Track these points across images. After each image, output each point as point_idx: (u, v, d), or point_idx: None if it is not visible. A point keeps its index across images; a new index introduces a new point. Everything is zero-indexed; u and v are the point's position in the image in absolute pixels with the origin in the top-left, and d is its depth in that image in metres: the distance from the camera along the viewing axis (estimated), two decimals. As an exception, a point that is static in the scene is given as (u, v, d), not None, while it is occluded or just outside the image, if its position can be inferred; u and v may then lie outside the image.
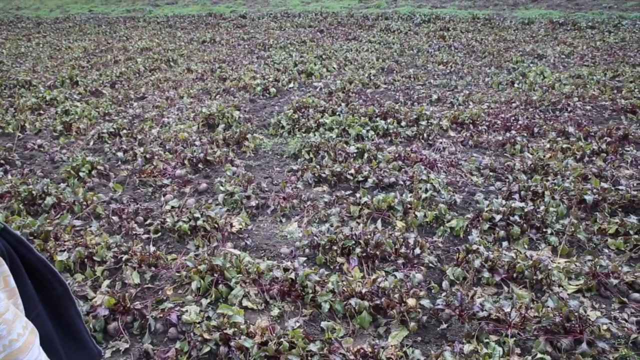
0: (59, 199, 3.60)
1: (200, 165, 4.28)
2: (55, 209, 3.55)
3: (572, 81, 6.59)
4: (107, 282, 2.80)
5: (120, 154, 4.50)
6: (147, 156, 4.40)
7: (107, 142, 4.87)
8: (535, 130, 4.95)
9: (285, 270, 2.79)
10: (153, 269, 2.91)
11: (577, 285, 2.82)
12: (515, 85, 6.50)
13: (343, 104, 5.69)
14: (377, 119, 5.20)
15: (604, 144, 4.56)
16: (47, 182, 3.78)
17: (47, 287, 1.22)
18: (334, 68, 7.56)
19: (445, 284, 2.74)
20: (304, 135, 4.93)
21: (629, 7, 12.99)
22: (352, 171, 3.98)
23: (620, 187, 3.73)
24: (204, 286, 2.70)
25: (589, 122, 5.23)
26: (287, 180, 4.03)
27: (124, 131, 5.04)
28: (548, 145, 4.60)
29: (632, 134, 4.81)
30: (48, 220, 3.28)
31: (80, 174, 4.07)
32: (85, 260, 2.92)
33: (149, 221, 3.44)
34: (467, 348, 2.26)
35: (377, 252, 2.95)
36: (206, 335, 2.32)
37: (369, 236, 3.03)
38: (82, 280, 2.82)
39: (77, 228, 3.30)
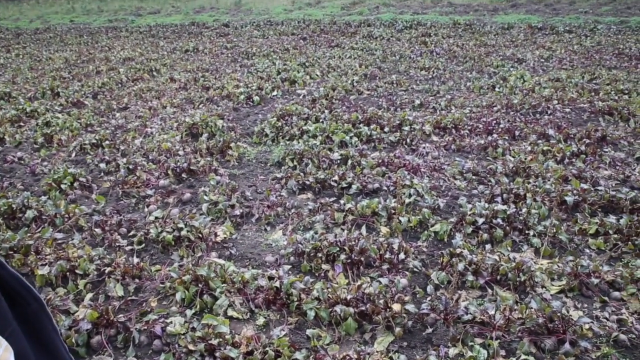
0: (40, 212, 3.55)
1: (183, 175, 4.25)
2: (36, 222, 3.50)
3: (552, 84, 6.71)
4: (90, 295, 2.76)
5: (102, 165, 4.46)
6: (130, 167, 4.36)
7: (90, 154, 4.82)
8: (517, 133, 5.03)
9: (270, 278, 2.78)
10: (137, 280, 2.88)
11: (559, 285, 2.86)
12: (496, 89, 6.60)
13: (326, 111, 5.72)
14: (361, 125, 5.24)
15: (583, 145, 4.65)
16: (28, 195, 3.73)
17: (21, 303, 1.20)
18: (317, 75, 7.60)
19: (430, 288, 2.75)
20: (287, 143, 4.93)
21: (604, 12, 13.31)
22: (336, 178, 3.99)
23: (599, 188, 3.81)
24: (189, 297, 2.68)
25: (568, 125, 5.33)
26: (272, 188, 4.03)
27: (107, 142, 4.99)
28: (529, 148, 4.68)
29: (610, 135, 4.92)
30: (29, 234, 3.23)
31: (62, 186, 4.02)
32: (68, 273, 2.88)
33: (132, 232, 3.41)
34: (453, 352, 2.28)
35: (362, 258, 2.96)
36: (191, 347, 2.30)
37: (353, 242, 3.04)
38: (64, 294, 2.78)
39: (59, 241, 3.25)
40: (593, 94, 6.33)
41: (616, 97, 6.11)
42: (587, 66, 7.90)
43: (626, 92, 6.37)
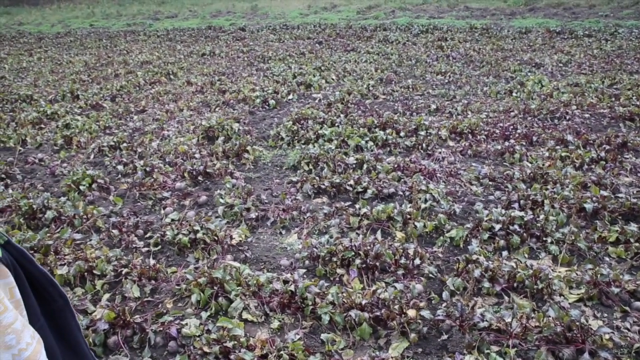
0: (59, 212, 3.61)
1: (200, 178, 4.29)
2: (55, 222, 3.56)
3: (570, 89, 6.62)
4: (107, 295, 2.80)
5: (120, 167, 4.52)
6: (147, 169, 4.42)
7: (108, 156, 4.89)
8: (534, 139, 4.96)
9: (285, 282, 2.79)
10: (153, 282, 2.90)
11: (578, 294, 2.81)
12: (514, 94, 6.53)
13: (342, 115, 5.72)
14: (376, 129, 5.22)
15: (603, 151, 4.57)
16: (48, 196, 3.80)
17: (48, 300, 1.23)
18: (332, 79, 7.61)
19: (445, 294, 2.73)
20: (303, 146, 4.95)
21: (625, 15, 13.09)
22: (352, 182, 3.98)
23: (620, 195, 3.73)
24: (204, 299, 2.69)
25: (587, 130, 5.24)
26: (287, 192, 4.04)
27: (124, 144, 5.06)
28: (547, 154, 4.61)
29: (631, 141, 4.82)
30: (48, 234, 3.29)
31: (81, 187, 4.09)
32: (85, 274, 2.93)
33: (149, 234, 3.44)
34: (468, 359, 2.25)
35: (377, 263, 2.95)
36: (206, 349, 2.31)
37: (368, 247, 3.03)
38: (82, 294, 2.82)
39: (77, 242, 3.31)
40: (613, 99, 6.21)
41: (638, 103, 5.99)
42: (607, 71, 7.77)
43: (648, 97, 6.24)
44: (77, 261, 2.95)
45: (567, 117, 5.64)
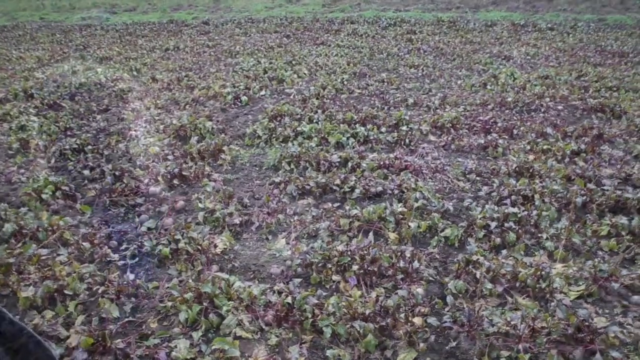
0: (19, 225, 3.26)
1: (175, 181, 4.01)
2: (15, 237, 3.21)
3: (542, 82, 6.69)
4: (81, 318, 2.52)
5: (86, 171, 4.17)
6: (117, 173, 4.10)
7: (71, 160, 4.52)
8: (514, 132, 4.95)
9: (280, 293, 2.60)
10: (133, 299, 2.65)
11: (578, 291, 2.76)
12: (488, 87, 6.54)
13: (319, 111, 5.54)
14: (356, 125, 5.08)
15: (582, 143, 4.60)
16: (5, 207, 3.44)
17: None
18: (305, 74, 7.40)
19: (449, 298, 2.61)
20: (282, 144, 4.74)
21: (581, 9, 13.51)
22: (338, 182, 3.82)
23: (605, 188, 3.74)
24: (192, 316, 2.47)
25: (563, 122, 5.29)
26: (270, 193, 3.83)
27: (89, 147, 4.70)
28: (528, 147, 4.60)
29: (606, 133, 4.89)
30: (9, 251, 2.95)
31: (43, 195, 3.73)
32: (55, 294, 2.63)
33: (124, 246, 3.16)
34: (483, 369, 2.14)
35: (375, 268, 2.80)
36: (200, 374, 2.10)
37: (364, 252, 2.88)
38: (51, 318, 2.52)
39: (44, 258, 2.98)
40: (583, 91, 6.33)
41: (606, 94, 6.12)
42: (573, 63, 7.94)
43: (614, 89, 6.39)
44: (45, 280, 2.65)
45: (542, 110, 5.68)
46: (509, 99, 5.85)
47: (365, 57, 8.45)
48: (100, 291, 2.64)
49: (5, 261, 2.81)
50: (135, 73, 7.85)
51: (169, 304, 2.54)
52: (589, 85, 6.55)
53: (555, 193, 3.64)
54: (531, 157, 4.34)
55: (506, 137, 4.86)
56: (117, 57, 9.09)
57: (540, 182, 3.84)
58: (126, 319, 2.52)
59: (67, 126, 5.37)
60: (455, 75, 7.24)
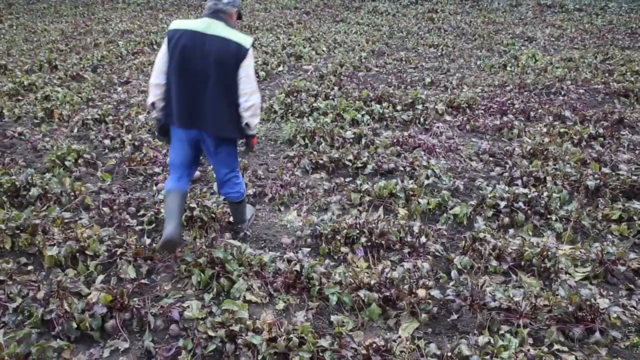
0: (44, 189, 3.41)
1: (192, 153, 4.11)
2: (41, 200, 3.36)
3: (564, 64, 6.56)
4: (101, 277, 2.66)
5: (107, 141, 4.30)
6: (136, 143, 4.22)
7: (93, 129, 4.65)
8: (532, 114, 4.90)
9: (289, 261, 2.69)
10: (149, 262, 2.77)
11: (584, 272, 2.79)
12: (508, 68, 6.44)
13: (336, 88, 5.55)
14: (372, 103, 5.09)
15: (601, 128, 4.54)
16: (31, 172, 3.59)
17: None
18: (323, 51, 7.39)
19: (454, 273, 2.67)
20: (297, 120, 4.79)
21: (614, -11, 13.00)
22: (351, 157, 3.87)
23: (620, 172, 3.71)
24: (205, 280, 2.58)
25: (583, 106, 5.20)
26: (284, 167, 3.91)
27: (110, 117, 4.82)
28: (545, 130, 4.56)
29: (627, 117, 4.81)
30: (35, 213, 3.10)
31: (66, 163, 3.88)
32: (77, 254, 2.77)
33: (141, 212, 3.28)
34: (482, 340, 2.21)
35: (382, 242, 2.87)
36: (211, 332, 2.22)
37: (373, 225, 2.95)
38: (74, 276, 2.67)
39: (67, 220, 3.13)
40: (607, 74, 6.18)
41: (632, 79, 5.97)
42: (599, 46, 7.73)
43: (641, 73, 6.23)
44: (68, 241, 2.79)
45: (563, 93, 5.59)
46: (529, 81, 5.76)
47: (384, 36, 8.37)
48: (118, 253, 2.78)
49: (32, 222, 2.96)
50: (155, 47, 7.93)
51: (183, 267, 2.66)
52: (614, 69, 6.39)
53: (568, 176, 3.63)
54: (546, 139, 4.30)
55: (523, 119, 4.82)
56: (138, 30, 9.17)
57: (554, 164, 3.83)
58: (142, 280, 2.64)
59: (89, 97, 5.51)
60: (475, 56, 7.14)
